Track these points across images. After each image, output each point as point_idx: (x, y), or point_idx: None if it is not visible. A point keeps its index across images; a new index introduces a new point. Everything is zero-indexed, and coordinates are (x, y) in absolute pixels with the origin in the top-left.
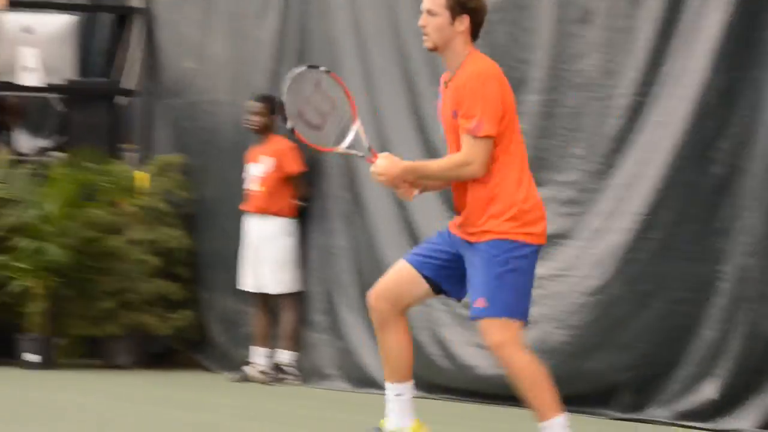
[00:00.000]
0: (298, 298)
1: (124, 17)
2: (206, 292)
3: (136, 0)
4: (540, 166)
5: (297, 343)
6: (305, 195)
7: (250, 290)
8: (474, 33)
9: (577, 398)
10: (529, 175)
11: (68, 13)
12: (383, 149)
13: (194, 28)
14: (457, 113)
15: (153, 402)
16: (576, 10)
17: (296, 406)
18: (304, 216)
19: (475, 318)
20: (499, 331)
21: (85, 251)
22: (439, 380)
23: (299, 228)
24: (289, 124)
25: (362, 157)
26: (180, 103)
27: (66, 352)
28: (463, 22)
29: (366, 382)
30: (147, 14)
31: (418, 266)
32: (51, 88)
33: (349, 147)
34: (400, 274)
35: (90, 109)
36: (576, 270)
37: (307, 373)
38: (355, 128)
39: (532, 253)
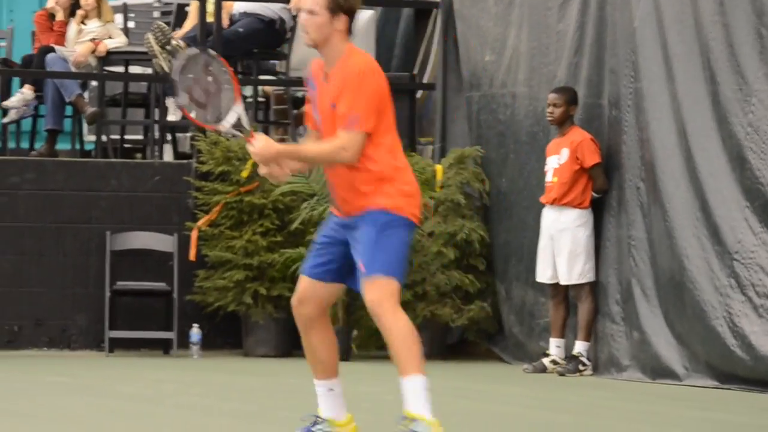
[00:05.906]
0: (593, 289)
1: (422, 11)
2: (502, 283)
3: None
4: None
5: (591, 334)
6: (602, 186)
7: (546, 281)
8: (349, 29)
9: None
10: (406, 161)
11: (369, 8)
12: (680, 137)
13: (493, 22)
14: (336, 105)
15: (447, 392)
16: None
17: (590, 397)
18: (599, 207)
19: (361, 281)
20: (376, 289)
21: None
22: (737, 371)
23: (594, 219)
24: (179, 102)
25: (240, 137)
26: (478, 96)
27: (361, 344)
28: (342, 21)
29: (661, 372)
30: (446, 8)
31: (320, 277)
32: None
33: (233, 126)
34: (311, 283)
35: None
36: None
37: (603, 364)
38: (238, 109)
39: (411, 232)
